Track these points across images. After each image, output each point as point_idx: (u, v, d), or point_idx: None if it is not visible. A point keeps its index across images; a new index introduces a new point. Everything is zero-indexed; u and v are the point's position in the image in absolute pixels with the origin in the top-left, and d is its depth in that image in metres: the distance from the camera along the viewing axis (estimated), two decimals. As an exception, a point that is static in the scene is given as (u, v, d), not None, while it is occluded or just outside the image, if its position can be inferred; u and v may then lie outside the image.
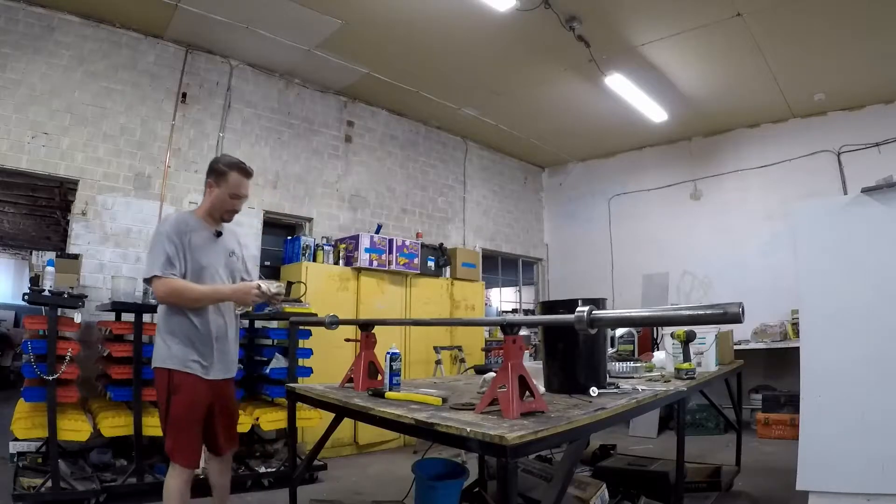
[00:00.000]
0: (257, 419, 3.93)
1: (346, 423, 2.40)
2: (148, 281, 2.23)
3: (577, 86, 5.69)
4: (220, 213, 2.42)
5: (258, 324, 4.56)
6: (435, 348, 5.37)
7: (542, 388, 2.10)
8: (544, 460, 3.37)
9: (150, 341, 4.09)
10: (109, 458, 3.65)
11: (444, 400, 1.89)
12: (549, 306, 2.63)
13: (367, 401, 1.96)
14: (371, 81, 5.72)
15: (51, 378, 3.15)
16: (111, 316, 3.94)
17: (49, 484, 3.11)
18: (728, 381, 3.61)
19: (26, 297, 3.27)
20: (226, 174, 2.36)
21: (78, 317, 3.47)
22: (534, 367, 2.24)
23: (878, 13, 4.29)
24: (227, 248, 2.47)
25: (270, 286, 2.29)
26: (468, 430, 1.44)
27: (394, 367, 2.10)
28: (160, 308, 2.34)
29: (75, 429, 3.31)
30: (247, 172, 2.41)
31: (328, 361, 4.26)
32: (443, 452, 3.81)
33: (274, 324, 4.57)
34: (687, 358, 2.79)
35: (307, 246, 5.13)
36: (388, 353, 2.12)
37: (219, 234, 2.42)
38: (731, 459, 3.94)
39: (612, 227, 7.70)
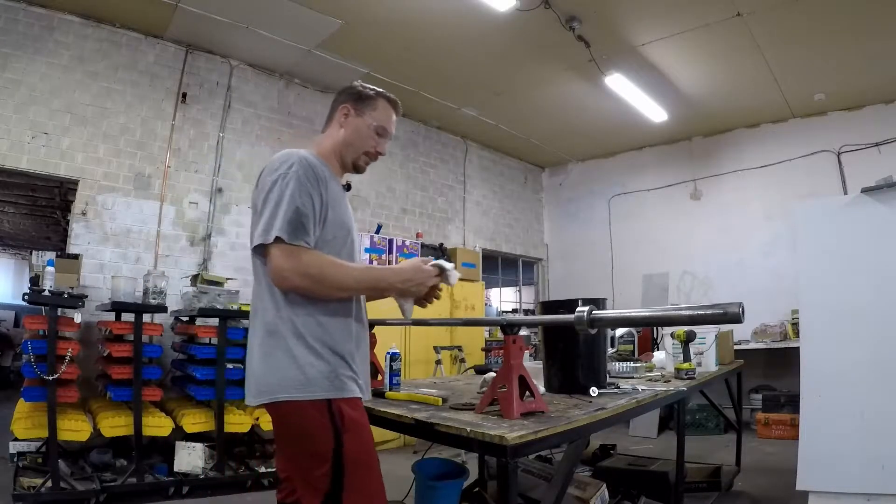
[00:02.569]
0: (257, 419, 3.93)
1: (346, 423, 2.37)
2: (260, 249, 1.37)
3: (577, 86, 5.69)
4: (355, 157, 1.61)
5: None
6: (435, 348, 5.37)
7: (542, 388, 2.10)
8: (544, 460, 3.37)
9: (151, 341, 4.16)
10: (109, 458, 3.65)
11: (444, 400, 1.89)
12: (549, 306, 2.63)
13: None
14: (371, 81, 5.62)
15: (51, 378, 3.16)
16: (111, 316, 3.94)
17: (49, 484, 3.11)
18: (728, 381, 3.61)
19: (26, 297, 3.28)
20: (373, 100, 1.61)
21: (78, 317, 3.47)
22: (534, 367, 2.24)
23: (878, 13, 4.29)
24: (352, 213, 1.63)
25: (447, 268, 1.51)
26: (468, 430, 1.44)
27: (394, 367, 2.10)
28: (263, 301, 1.42)
29: (75, 429, 3.31)
30: (398, 108, 1.68)
31: (328, 361, 4.25)
32: (443, 452, 3.81)
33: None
34: (687, 358, 2.79)
35: (307, 246, 5.13)
36: (388, 353, 2.12)
37: (348, 187, 1.65)
38: (731, 459, 3.93)
39: (612, 227, 7.70)
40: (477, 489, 3.06)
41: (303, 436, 1.35)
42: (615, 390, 2.13)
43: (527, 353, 3.71)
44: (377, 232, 5.69)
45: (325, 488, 1.32)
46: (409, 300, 1.53)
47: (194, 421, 3.72)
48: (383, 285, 1.46)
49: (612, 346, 3.37)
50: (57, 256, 3.83)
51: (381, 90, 1.65)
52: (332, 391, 1.35)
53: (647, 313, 1.60)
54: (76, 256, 4.00)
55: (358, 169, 1.66)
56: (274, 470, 3.85)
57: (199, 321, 3.98)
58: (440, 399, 1.87)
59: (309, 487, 1.35)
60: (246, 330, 4.31)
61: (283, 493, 1.55)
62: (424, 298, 1.54)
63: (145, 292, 3.86)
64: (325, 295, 1.38)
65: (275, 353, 1.36)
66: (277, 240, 1.31)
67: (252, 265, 1.48)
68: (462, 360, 5.54)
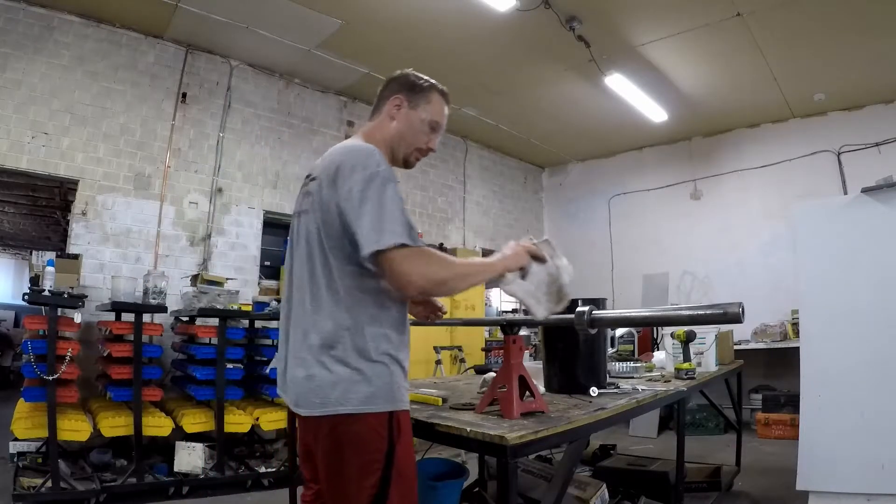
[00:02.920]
0: (257, 419, 3.93)
1: (346, 423, 2.37)
2: (377, 255, 1.24)
3: (577, 86, 5.69)
4: (407, 152, 1.55)
5: (258, 324, 4.56)
6: (435, 348, 5.36)
7: (542, 388, 2.10)
8: (544, 460, 3.37)
9: (151, 341, 4.16)
10: (109, 458, 3.66)
11: (444, 400, 1.89)
12: (549, 306, 2.62)
13: (367, 401, 1.96)
14: (371, 81, 5.71)
15: (51, 378, 3.15)
16: (111, 316, 3.94)
17: (49, 484, 3.11)
18: (728, 381, 3.61)
19: (26, 297, 3.28)
20: (427, 92, 1.54)
21: (78, 317, 3.47)
22: (534, 367, 2.24)
23: (878, 13, 4.29)
24: None
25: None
26: (468, 430, 1.44)
27: (394, 367, 2.09)
28: (322, 309, 1.32)
29: (75, 429, 3.31)
30: (449, 100, 1.61)
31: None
32: (443, 452, 3.81)
33: (274, 324, 4.57)
34: (687, 358, 2.79)
35: (307, 246, 5.12)
36: (388, 353, 2.11)
37: None
38: (731, 459, 3.93)
39: (612, 227, 7.70)
40: (477, 489, 3.06)
41: (356, 447, 1.28)
42: (615, 390, 2.13)
43: (527, 353, 3.71)
44: (377, 232, 5.68)
45: (366, 500, 1.25)
46: (531, 291, 1.46)
47: (194, 421, 3.72)
48: (493, 261, 1.41)
49: (612, 346, 3.37)
50: (57, 256, 3.83)
51: (433, 81, 1.57)
52: (393, 403, 1.30)
53: (647, 313, 1.60)
54: (76, 256, 4.00)
55: (408, 164, 1.59)
56: (274, 469, 3.86)
57: (199, 321, 3.98)
58: (440, 399, 1.87)
59: (343, 499, 1.29)
60: (245, 330, 4.33)
61: (309, 501, 1.50)
62: (556, 295, 1.49)
63: (145, 292, 3.86)
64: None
65: (336, 365, 1.28)
66: (404, 244, 1.23)
67: (308, 267, 1.36)
68: (462, 360, 5.54)
